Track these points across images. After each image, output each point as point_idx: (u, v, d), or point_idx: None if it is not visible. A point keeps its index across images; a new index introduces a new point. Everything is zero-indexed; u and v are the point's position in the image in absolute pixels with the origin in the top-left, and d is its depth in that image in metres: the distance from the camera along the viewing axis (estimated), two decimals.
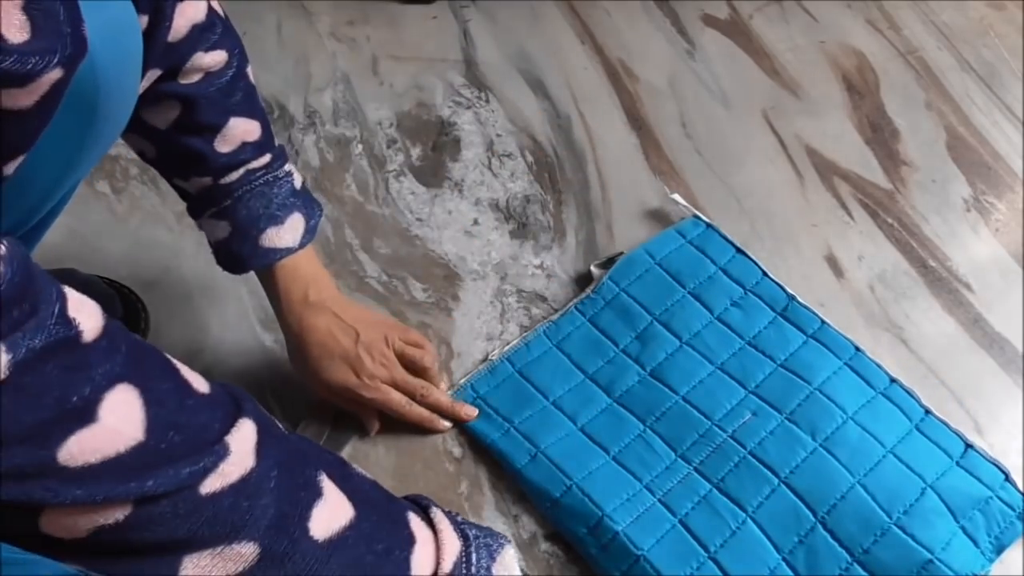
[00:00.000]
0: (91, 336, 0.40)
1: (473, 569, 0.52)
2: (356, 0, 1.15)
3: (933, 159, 1.00)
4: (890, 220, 0.94)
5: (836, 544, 0.67)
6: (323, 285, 0.72)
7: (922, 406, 0.76)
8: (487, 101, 1.04)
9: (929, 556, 0.66)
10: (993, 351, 0.83)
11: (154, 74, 0.58)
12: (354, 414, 0.75)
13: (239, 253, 0.67)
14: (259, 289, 0.73)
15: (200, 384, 0.45)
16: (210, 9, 0.61)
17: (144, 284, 0.84)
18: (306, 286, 0.70)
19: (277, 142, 0.69)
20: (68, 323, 0.38)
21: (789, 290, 0.83)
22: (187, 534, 0.41)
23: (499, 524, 0.71)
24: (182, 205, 0.69)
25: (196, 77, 0.61)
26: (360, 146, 0.99)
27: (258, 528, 0.43)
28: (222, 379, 0.48)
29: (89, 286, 0.80)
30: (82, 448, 0.38)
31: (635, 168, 0.98)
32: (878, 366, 0.78)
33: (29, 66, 0.34)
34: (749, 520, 0.68)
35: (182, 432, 0.42)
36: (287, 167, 0.69)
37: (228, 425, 0.44)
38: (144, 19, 0.54)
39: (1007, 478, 0.71)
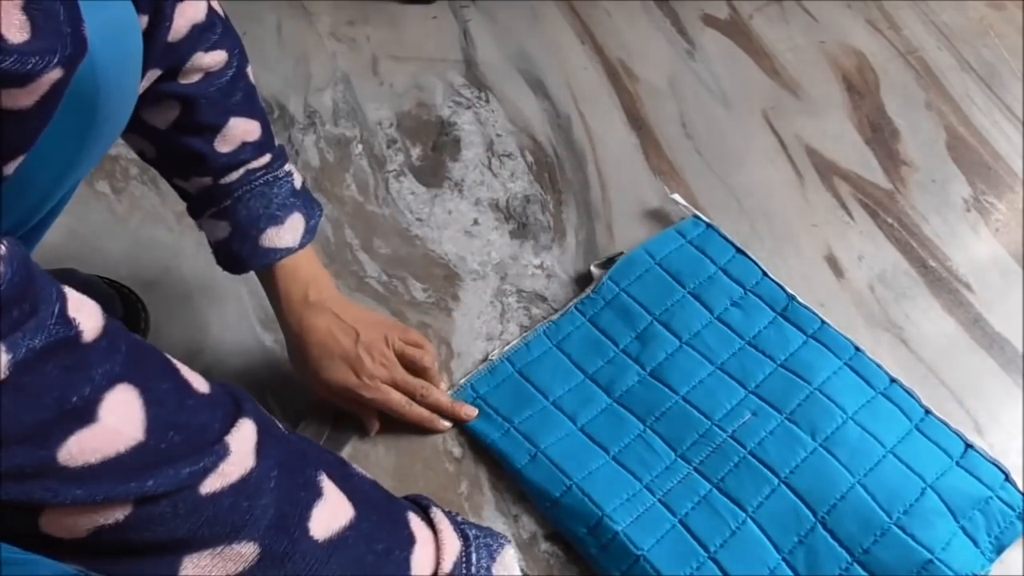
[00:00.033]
0: (91, 336, 0.40)
1: (473, 569, 0.52)
2: (356, 0, 1.15)
3: (933, 159, 1.00)
4: (890, 220, 0.93)
5: (836, 544, 0.67)
6: (323, 285, 0.72)
7: (922, 406, 0.76)
8: (487, 101, 1.04)
9: (929, 556, 0.66)
10: (993, 351, 0.83)
11: (154, 74, 0.58)
12: (354, 414, 0.75)
13: (239, 253, 0.67)
14: (259, 289, 0.73)
15: (200, 384, 0.45)
16: (210, 9, 0.61)
17: (144, 284, 0.85)
18: (306, 286, 0.70)
19: (277, 142, 0.69)
20: (68, 323, 0.38)
21: (789, 290, 0.83)
22: (187, 534, 0.41)
23: (499, 524, 0.71)
24: (182, 205, 0.69)
25: (196, 77, 0.62)
26: (360, 146, 0.99)
27: (258, 528, 0.43)
28: (222, 379, 0.48)
29: (89, 286, 0.80)
30: (82, 448, 0.38)
31: (635, 168, 0.98)
32: (878, 366, 0.78)
33: (29, 66, 0.34)
34: (749, 520, 0.68)
35: (182, 432, 0.42)
36: (287, 167, 0.69)
37: (228, 425, 0.44)
38: (144, 19, 0.54)
39: (1007, 478, 0.71)
